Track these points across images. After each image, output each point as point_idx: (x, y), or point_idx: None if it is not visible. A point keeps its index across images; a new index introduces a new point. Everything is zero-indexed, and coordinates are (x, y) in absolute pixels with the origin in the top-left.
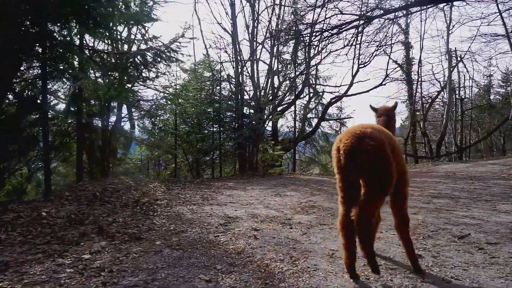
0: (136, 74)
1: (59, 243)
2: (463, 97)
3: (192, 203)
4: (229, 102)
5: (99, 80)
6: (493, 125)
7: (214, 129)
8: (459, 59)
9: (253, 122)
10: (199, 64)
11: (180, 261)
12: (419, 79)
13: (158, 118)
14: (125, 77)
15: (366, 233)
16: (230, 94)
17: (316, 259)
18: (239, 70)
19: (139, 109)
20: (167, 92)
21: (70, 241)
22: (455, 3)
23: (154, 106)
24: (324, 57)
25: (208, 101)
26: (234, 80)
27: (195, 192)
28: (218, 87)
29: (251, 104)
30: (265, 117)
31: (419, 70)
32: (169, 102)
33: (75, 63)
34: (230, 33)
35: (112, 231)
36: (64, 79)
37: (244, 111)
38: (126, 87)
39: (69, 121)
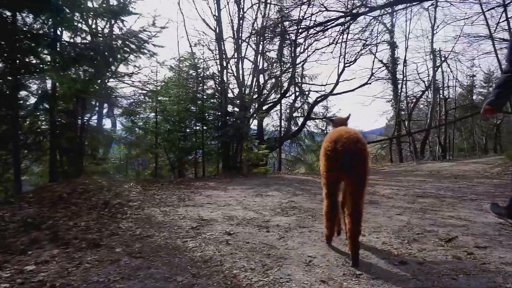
0: (104, 65)
1: (3, 252)
2: (447, 97)
3: (167, 204)
4: (213, 100)
5: (67, 73)
6: (475, 124)
7: (197, 127)
8: (443, 59)
9: (237, 121)
10: (182, 61)
11: (137, 272)
12: (404, 79)
13: (138, 116)
14: (91, 70)
15: (360, 221)
16: (213, 92)
17: (291, 268)
18: (223, 67)
19: (117, 106)
20: (147, 89)
21: (17, 249)
22: (439, 3)
23: (133, 103)
24: (309, 55)
25: (190, 99)
26: (218, 77)
27: (173, 193)
28: (201, 85)
29: (236, 102)
30: (250, 115)
31: (404, 70)
32: (147, 99)
33: (47, 57)
34: (214, 29)
35: (69, 237)
36: (34, 74)
37: (229, 110)
38: (97, 81)
39: (42, 118)
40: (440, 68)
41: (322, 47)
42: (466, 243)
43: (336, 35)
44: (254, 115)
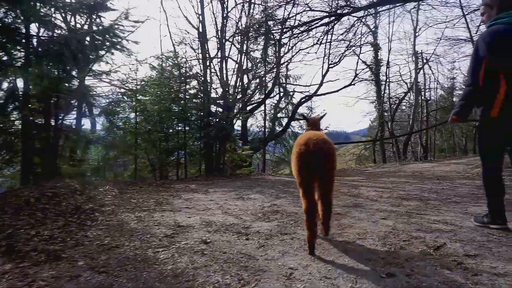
0: (76, 62)
1: None
2: (428, 98)
3: (143, 209)
4: (195, 100)
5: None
6: (456, 126)
7: (179, 128)
8: (425, 61)
9: (221, 121)
10: (164, 61)
11: None
12: (387, 80)
13: (117, 116)
14: (63, 66)
15: (331, 209)
16: (196, 91)
17: (270, 283)
18: (206, 67)
19: (94, 106)
20: (126, 87)
21: None
22: (421, 6)
23: (112, 103)
24: (294, 55)
25: (172, 98)
26: (201, 77)
27: (151, 196)
28: (184, 84)
29: (219, 102)
30: (233, 116)
31: (387, 71)
32: (125, 98)
33: (17, 53)
34: (197, 28)
35: (27, 248)
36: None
37: (212, 110)
38: (70, 79)
39: (13, 118)
40: (422, 70)
41: (307, 47)
42: (455, 251)
43: (320, 36)
44: (238, 116)
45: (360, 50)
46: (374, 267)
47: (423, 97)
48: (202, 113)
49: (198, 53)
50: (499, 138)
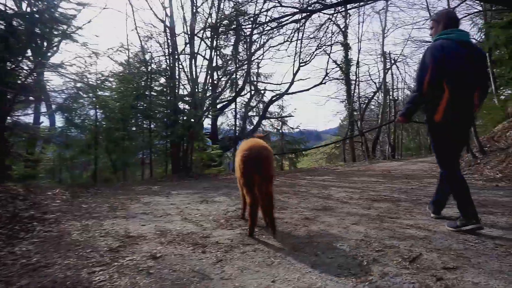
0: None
1: None
2: (396, 98)
3: (93, 216)
4: (162, 97)
5: None
6: (421, 125)
7: (145, 126)
8: (393, 61)
9: (189, 119)
10: (129, 56)
11: None
12: (357, 80)
13: (75, 112)
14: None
15: (273, 206)
16: (162, 88)
17: None
18: (175, 63)
19: (46, 101)
20: (83, 81)
21: None
22: (389, 8)
23: (69, 98)
24: (265, 52)
25: (137, 95)
26: (167, 73)
27: (106, 200)
28: (149, 80)
29: (187, 99)
30: (201, 113)
31: (357, 71)
32: (83, 94)
33: None
34: (163, 21)
35: None
36: None
37: (181, 107)
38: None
39: None
40: (390, 71)
41: (277, 44)
42: (433, 263)
43: (291, 33)
44: (206, 113)
45: (331, 50)
46: (345, 287)
47: (391, 97)
48: (169, 111)
49: (164, 48)
50: (449, 139)
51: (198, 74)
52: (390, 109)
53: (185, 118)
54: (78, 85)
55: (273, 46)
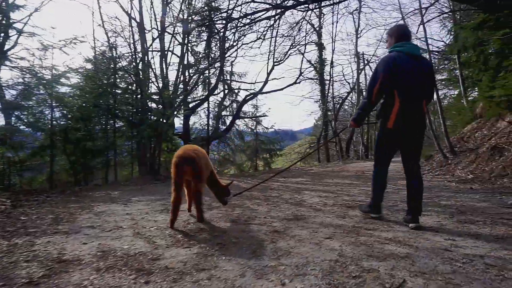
0: None
1: None
2: None
3: (27, 231)
4: (127, 95)
5: None
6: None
7: (109, 126)
8: (366, 62)
9: (156, 119)
10: (96, 52)
11: None
12: (331, 80)
13: (28, 110)
14: None
15: (200, 202)
16: (127, 85)
17: None
18: (144, 59)
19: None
20: (37, 76)
21: None
22: (363, 9)
23: (20, 94)
24: (238, 48)
25: (99, 93)
26: (133, 70)
27: (52, 210)
28: (113, 77)
29: (154, 98)
30: (169, 113)
31: (331, 71)
32: (34, 90)
33: None
34: (132, 16)
35: None
36: None
37: (151, 106)
38: None
39: None
40: (363, 71)
41: (250, 42)
42: None
43: (264, 31)
44: (176, 113)
45: (305, 49)
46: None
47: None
48: (135, 109)
49: (131, 43)
50: (392, 146)
51: (167, 71)
52: None
53: (153, 117)
54: (30, 79)
55: (246, 44)
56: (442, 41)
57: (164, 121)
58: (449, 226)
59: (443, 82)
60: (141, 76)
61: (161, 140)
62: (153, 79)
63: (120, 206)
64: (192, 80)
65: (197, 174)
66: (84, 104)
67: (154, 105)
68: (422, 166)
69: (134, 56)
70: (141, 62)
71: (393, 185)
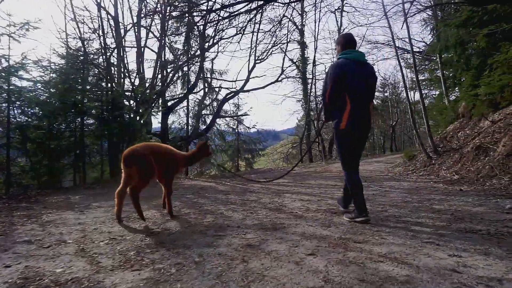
0: None
1: None
2: None
3: None
4: (97, 91)
5: None
6: (375, 125)
7: (77, 123)
8: None
9: (131, 116)
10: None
11: None
12: (313, 79)
13: None
14: None
15: (136, 199)
16: (98, 80)
17: None
18: (120, 52)
19: None
20: None
21: None
22: (345, 8)
23: None
24: (217, 42)
25: (66, 88)
26: (103, 65)
27: None
28: (82, 72)
29: (126, 94)
30: (143, 110)
31: (313, 70)
32: None
33: None
34: (102, 6)
35: None
36: None
37: (123, 103)
38: None
39: None
40: None
41: (230, 37)
42: None
43: (243, 26)
44: (150, 110)
45: (287, 47)
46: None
47: None
48: (105, 106)
49: (100, 35)
50: (351, 146)
51: (143, 67)
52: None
53: (125, 115)
54: None
55: (225, 38)
56: (423, 41)
57: (138, 118)
58: (450, 237)
59: (424, 83)
60: (113, 71)
61: (134, 139)
62: (126, 74)
63: (74, 214)
64: (169, 77)
65: (137, 172)
66: (48, 100)
67: (124, 101)
68: (406, 167)
69: (104, 49)
70: (112, 56)
71: (379, 186)
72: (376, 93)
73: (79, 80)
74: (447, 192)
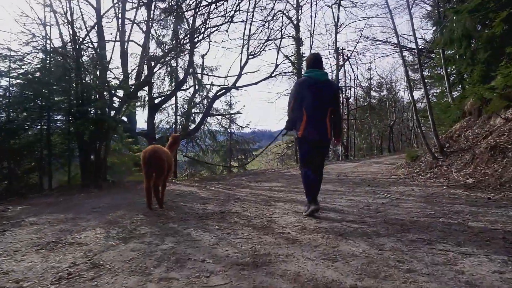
0: None
1: None
2: (348, 96)
3: None
4: (63, 83)
5: None
6: (373, 125)
7: (43, 121)
8: (346, 58)
9: (102, 112)
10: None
11: None
12: None
13: None
14: None
15: (158, 191)
16: (64, 71)
17: None
18: (102, 39)
19: None
20: None
21: None
22: (342, 3)
23: None
24: (204, 30)
25: (26, 79)
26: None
27: None
28: (48, 61)
29: (100, 86)
30: (120, 105)
31: None
32: None
33: None
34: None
35: None
36: None
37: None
38: None
39: None
40: (343, 68)
41: (217, 25)
42: None
43: (232, 11)
44: (127, 105)
45: (281, 42)
46: None
47: (344, 95)
48: (75, 101)
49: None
50: (307, 149)
51: (126, 59)
52: (343, 107)
53: (97, 111)
54: None
55: (214, 27)
56: (423, 38)
57: (111, 114)
58: None
59: (426, 81)
60: (84, 62)
61: (108, 138)
62: (102, 66)
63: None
64: (154, 70)
65: (161, 169)
66: (7, 93)
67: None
68: (410, 168)
69: (73, 36)
70: (89, 47)
71: (387, 192)
72: (373, 93)
73: (44, 72)
74: (473, 202)
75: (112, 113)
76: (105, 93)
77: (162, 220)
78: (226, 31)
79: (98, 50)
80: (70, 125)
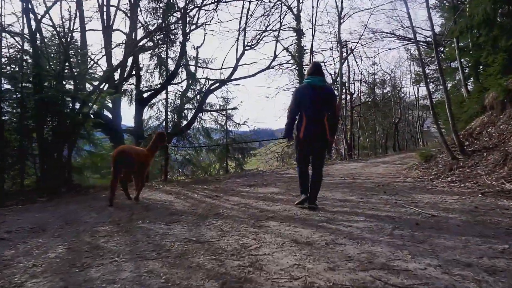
0: None
1: None
2: (352, 92)
3: None
4: (14, 66)
5: None
6: (377, 122)
7: None
8: (349, 51)
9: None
10: None
11: None
12: None
13: None
14: None
15: (126, 186)
16: (15, 54)
17: None
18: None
19: None
20: None
21: None
22: None
23: None
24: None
25: None
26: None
27: None
28: None
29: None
30: (86, 95)
31: (311, 58)
32: None
33: None
34: None
35: None
36: None
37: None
38: None
39: None
40: (346, 62)
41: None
42: None
43: None
44: (98, 96)
45: (279, 33)
46: None
47: (347, 91)
48: (33, 90)
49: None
50: (305, 150)
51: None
52: (347, 103)
53: (61, 102)
54: None
55: (203, 6)
56: (429, 30)
57: (79, 107)
58: None
59: (435, 75)
60: (42, 45)
61: (72, 132)
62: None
63: None
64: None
65: (136, 167)
66: None
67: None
68: (425, 170)
69: (26, 11)
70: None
71: (413, 205)
72: (376, 90)
73: None
74: None
75: (78, 106)
76: (70, 81)
77: (99, 251)
78: (214, 10)
79: (58, 28)
80: (22, 119)
